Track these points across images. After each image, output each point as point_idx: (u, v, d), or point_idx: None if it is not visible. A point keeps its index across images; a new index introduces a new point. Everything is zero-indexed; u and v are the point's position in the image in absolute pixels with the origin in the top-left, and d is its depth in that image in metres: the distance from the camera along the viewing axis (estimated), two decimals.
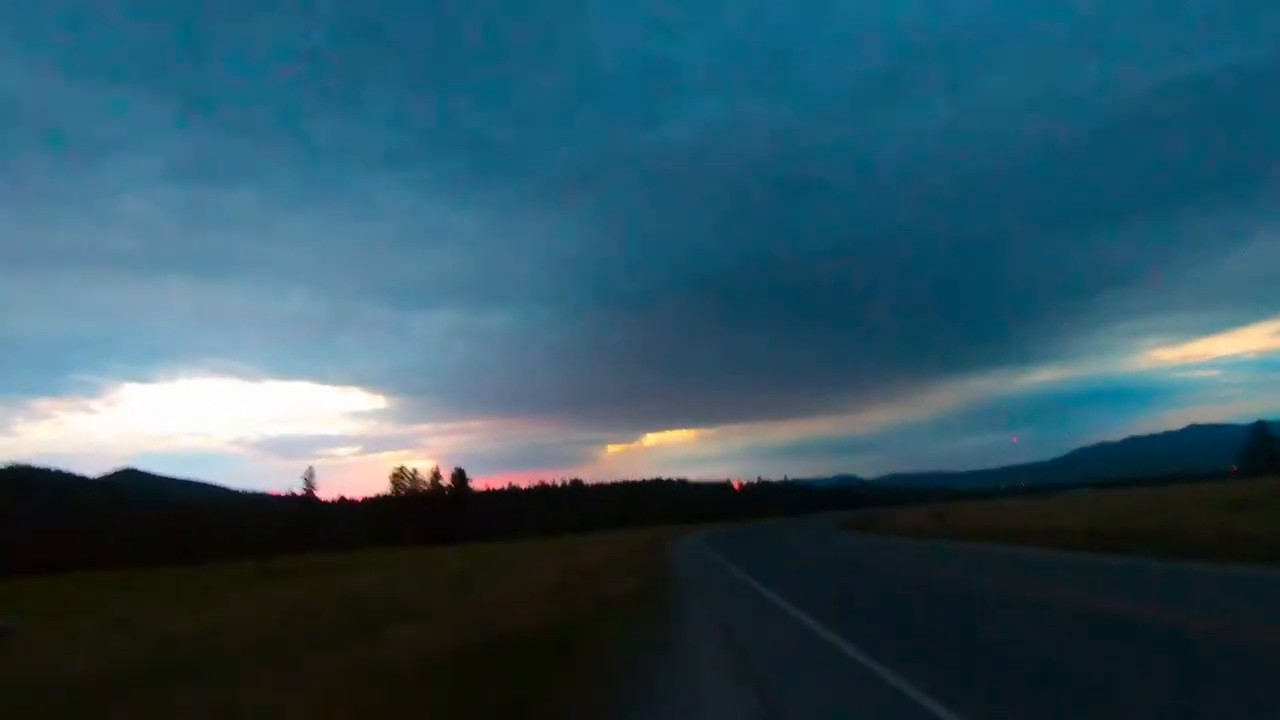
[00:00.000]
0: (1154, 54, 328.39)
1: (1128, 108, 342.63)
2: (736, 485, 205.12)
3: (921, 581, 13.30)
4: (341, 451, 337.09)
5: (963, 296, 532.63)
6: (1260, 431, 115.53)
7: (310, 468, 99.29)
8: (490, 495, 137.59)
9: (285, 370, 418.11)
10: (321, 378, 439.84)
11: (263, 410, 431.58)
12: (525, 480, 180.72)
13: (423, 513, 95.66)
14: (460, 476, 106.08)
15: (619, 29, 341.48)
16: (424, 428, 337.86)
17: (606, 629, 9.40)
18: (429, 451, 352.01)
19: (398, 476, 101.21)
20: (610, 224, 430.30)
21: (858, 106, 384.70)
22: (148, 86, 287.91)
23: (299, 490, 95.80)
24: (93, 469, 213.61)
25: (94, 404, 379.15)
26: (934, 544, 23.73)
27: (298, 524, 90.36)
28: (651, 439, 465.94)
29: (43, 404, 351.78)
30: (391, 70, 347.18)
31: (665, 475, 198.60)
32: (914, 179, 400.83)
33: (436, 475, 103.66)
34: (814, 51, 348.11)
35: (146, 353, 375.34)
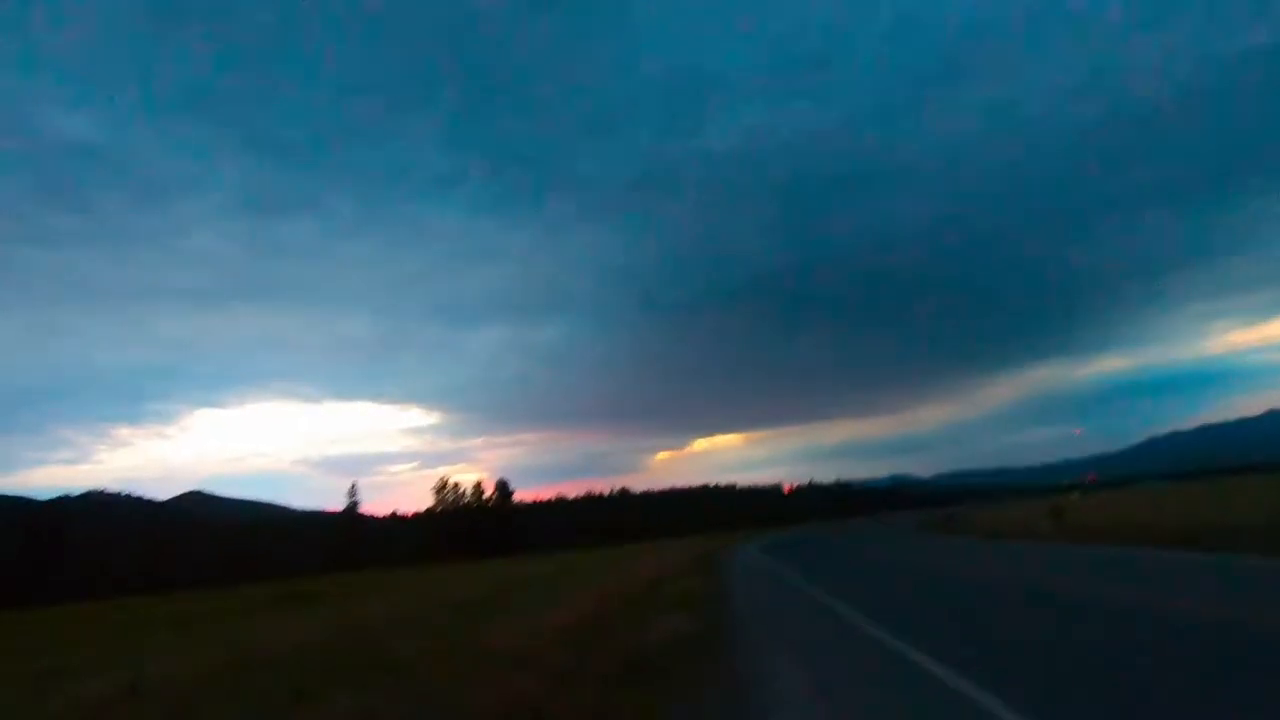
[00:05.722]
0: (1216, 25, 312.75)
1: (1191, 82, 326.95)
2: (787, 488, 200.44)
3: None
4: (398, 468, 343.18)
5: (1018, 286, 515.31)
6: None
7: (354, 484, 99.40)
8: (537, 506, 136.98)
9: (346, 391, 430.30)
10: (380, 397, 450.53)
11: (324, 430, 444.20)
12: (575, 490, 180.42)
13: (467, 527, 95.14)
14: (503, 488, 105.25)
15: (660, 40, 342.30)
16: (477, 441, 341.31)
17: None
18: (482, 465, 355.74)
19: (440, 490, 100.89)
20: (656, 233, 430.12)
21: (900, 99, 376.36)
22: (213, 124, 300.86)
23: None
24: (166, 493, 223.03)
25: (169, 430, 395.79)
26: (1088, 552, 16.86)
27: (344, 541, 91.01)
28: (700, 444, 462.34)
29: (122, 431, 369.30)
30: (439, 94, 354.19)
31: (714, 481, 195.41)
32: (962, 169, 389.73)
33: (479, 488, 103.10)
34: (858, 45, 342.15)
35: (217, 379, 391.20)
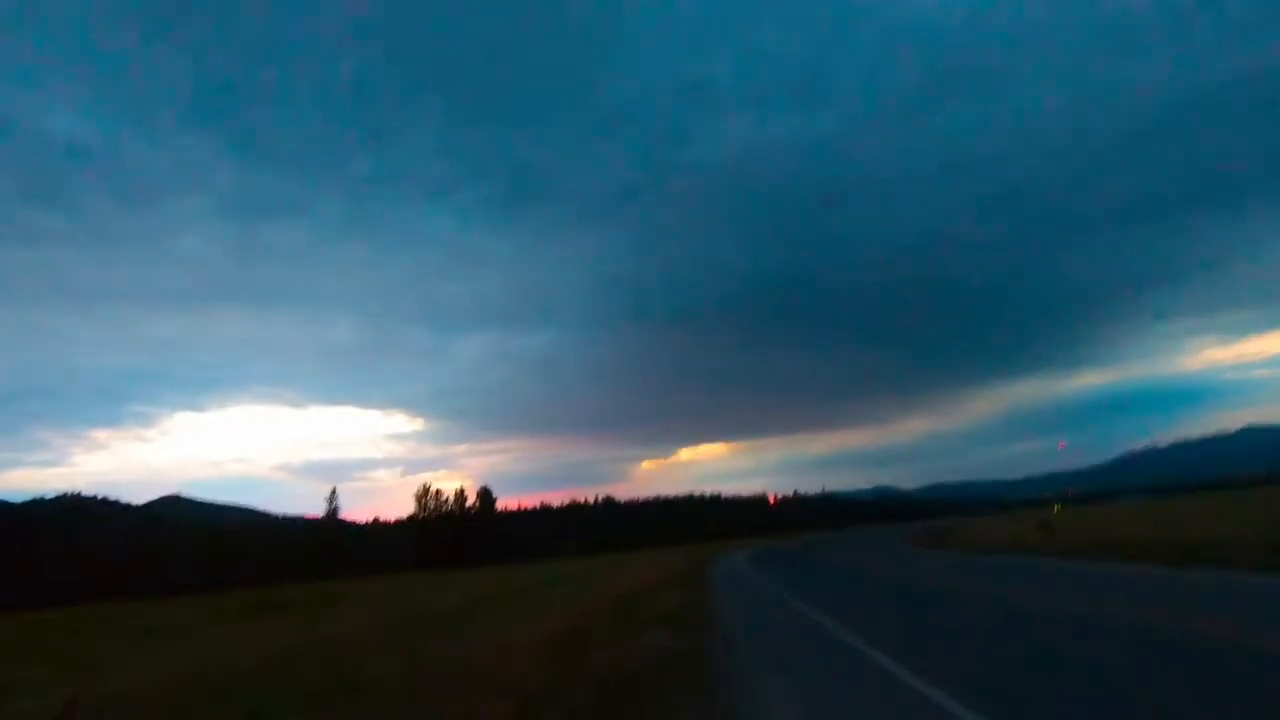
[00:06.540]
0: (1196, 51, 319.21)
1: (1173, 105, 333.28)
2: (772, 499, 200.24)
3: None
4: (381, 474, 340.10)
5: (1002, 301, 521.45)
6: None
7: (334, 490, 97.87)
8: (521, 515, 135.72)
9: (330, 395, 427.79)
10: (365, 402, 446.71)
11: (307, 435, 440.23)
12: (559, 499, 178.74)
13: (449, 534, 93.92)
14: (486, 495, 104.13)
15: (652, 51, 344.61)
16: (462, 448, 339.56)
17: None
18: (467, 472, 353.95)
19: (421, 497, 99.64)
20: (644, 242, 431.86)
21: (888, 114, 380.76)
22: (200, 127, 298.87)
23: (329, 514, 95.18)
24: (142, 497, 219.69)
25: (148, 433, 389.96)
26: (1094, 568, 16.10)
27: (323, 548, 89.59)
28: (686, 454, 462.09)
29: (101, 435, 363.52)
30: (430, 101, 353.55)
31: (699, 490, 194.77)
32: (947, 185, 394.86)
33: (461, 495, 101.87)
34: (847, 66, 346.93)
35: (199, 383, 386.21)
